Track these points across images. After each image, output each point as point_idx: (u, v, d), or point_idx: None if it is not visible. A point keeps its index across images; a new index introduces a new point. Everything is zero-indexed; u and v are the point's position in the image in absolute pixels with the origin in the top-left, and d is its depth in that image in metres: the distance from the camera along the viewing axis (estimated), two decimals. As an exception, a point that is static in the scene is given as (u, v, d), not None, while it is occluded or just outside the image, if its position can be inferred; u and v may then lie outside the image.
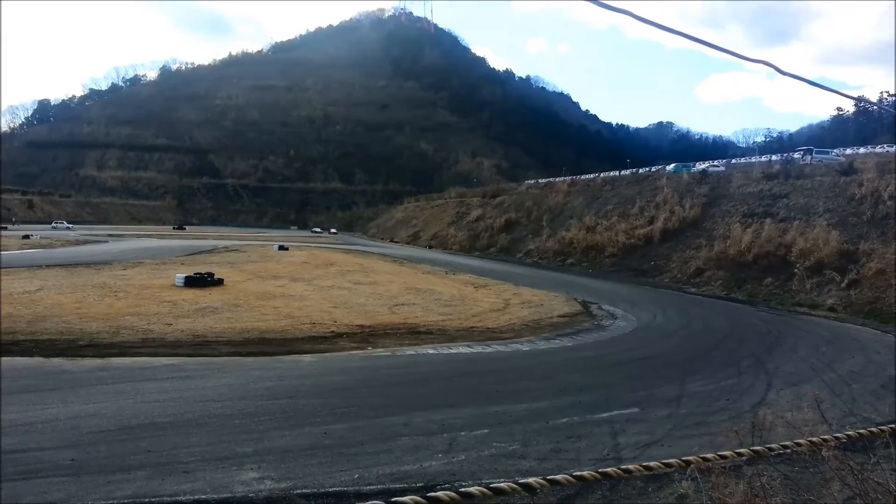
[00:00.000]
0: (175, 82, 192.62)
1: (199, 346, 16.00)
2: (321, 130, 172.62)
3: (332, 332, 18.93)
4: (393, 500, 1.83)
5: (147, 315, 19.50)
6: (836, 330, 26.70)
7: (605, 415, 11.80)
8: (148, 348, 15.32)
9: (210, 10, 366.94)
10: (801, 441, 3.47)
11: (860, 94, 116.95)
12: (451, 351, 17.80)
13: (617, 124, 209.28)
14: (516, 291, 33.17)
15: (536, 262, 60.70)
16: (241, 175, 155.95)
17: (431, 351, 17.59)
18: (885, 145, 62.67)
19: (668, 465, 2.66)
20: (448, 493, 1.90)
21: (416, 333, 19.92)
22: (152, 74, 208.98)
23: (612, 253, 54.01)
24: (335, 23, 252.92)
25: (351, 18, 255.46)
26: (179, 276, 27.41)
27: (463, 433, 10.16)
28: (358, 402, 11.73)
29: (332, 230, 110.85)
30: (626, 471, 2.57)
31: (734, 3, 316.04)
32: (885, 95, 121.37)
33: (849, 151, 61.47)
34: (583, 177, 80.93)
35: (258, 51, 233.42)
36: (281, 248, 55.08)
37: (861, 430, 3.54)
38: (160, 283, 27.66)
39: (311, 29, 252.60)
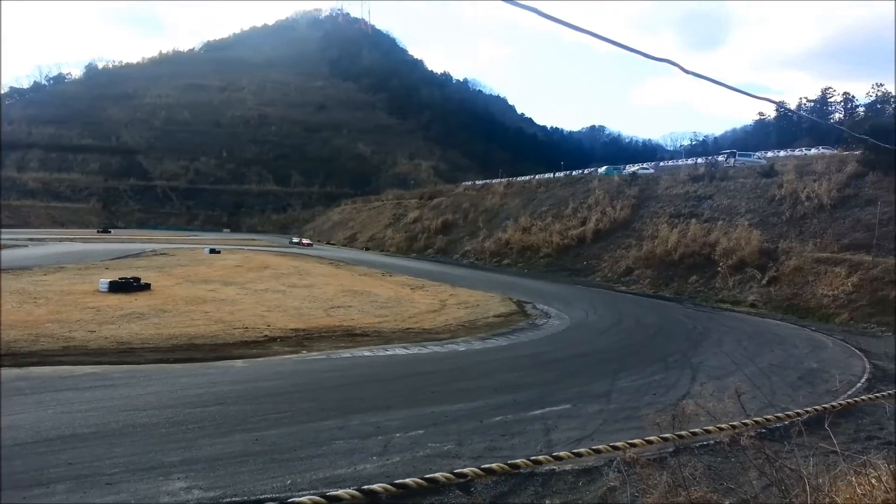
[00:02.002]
0: (102, 81, 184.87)
1: (124, 353, 15.44)
2: (256, 131, 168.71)
3: (266, 336, 18.60)
4: (290, 500, 1.82)
5: (69, 322, 18.68)
6: (757, 325, 27.97)
7: (538, 412, 12.02)
8: (69, 356, 14.68)
9: (140, 8, 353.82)
10: (711, 427, 3.63)
11: (782, 100, 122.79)
12: (388, 353, 17.77)
13: (552, 127, 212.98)
14: (453, 292, 33.35)
15: (473, 263, 61.17)
16: (170, 177, 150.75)
17: (367, 353, 17.51)
18: (804, 148, 66.05)
19: (596, 451, 2.75)
20: (349, 491, 1.90)
21: (352, 336, 19.79)
22: (78, 73, 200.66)
23: (547, 253, 55.01)
24: (271, 22, 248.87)
25: (287, 18, 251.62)
26: (103, 282, 26.35)
27: (398, 435, 10.16)
28: (291, 406, 11.56)
29: (304, 240, 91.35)
30: (557, 457, 2.65)
31: (666, 8, 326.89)
32: (804, 101, 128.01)
33: (770, 154, 64.55)
34: (519, 179, 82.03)
35: (190, 49, 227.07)
36: (212, 251, 53.62)
37: (770, 416, 3.73)
38: (83, 288, 26.51)
39: (246, 28, 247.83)
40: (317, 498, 1.85)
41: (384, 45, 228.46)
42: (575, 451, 2.74)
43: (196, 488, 7.77)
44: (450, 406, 12.10)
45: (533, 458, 2.59)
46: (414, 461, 9.07)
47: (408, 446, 9.67)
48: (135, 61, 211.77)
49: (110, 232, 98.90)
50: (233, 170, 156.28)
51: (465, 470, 2.26)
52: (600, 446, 2.91)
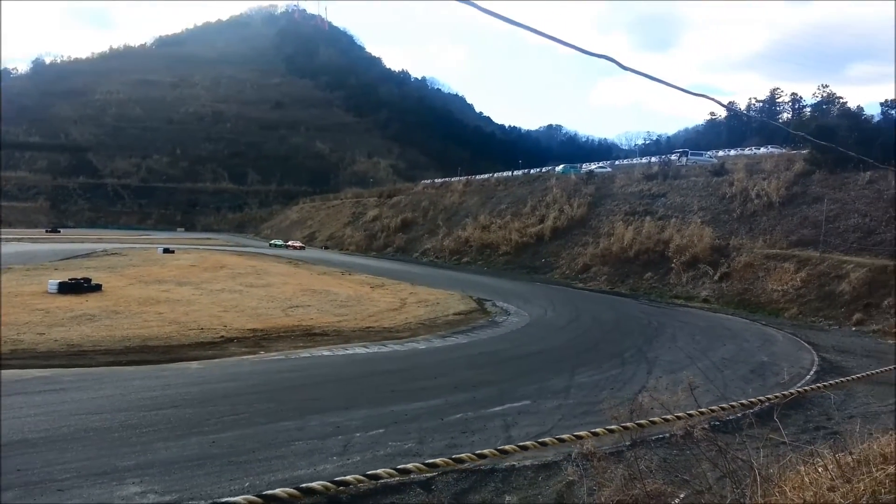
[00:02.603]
0: (49, 77, 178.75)
1: (74, 356, 14.98)
2: (210, 128, 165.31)
3: (222, 337, 18.27)
4: (223, 500, 1.81)
5: (16, 324, 18.02)
6: (710, 320, 28.71)
7: (498, 409, 12.11)
8: (18, 360, 14.17)
9: (88, 2, 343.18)
10: (665, 417, 3.71)
11: (731, 101, 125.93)
12: (348, 352, 17.66)
13: (510, 126, 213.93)
14: (413, 290, 33.33)
15: (433, 262, 61.26)
16: (122, 174, 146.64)
17: (327, 353, 17.38)
18: (754, 147, 67.95)
19: (542, 444, 2.79)
20: (287, 489, 1.88)
21: (311, 335, 19.60)
22: (24, 68, 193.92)
23: (506, 251, 55.44)
24: (224, 18, 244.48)
25: (241, 14, 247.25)
26: (52, 282, 25.52)
27: (358, 434, 10.11)
28: (249, 408, 11.39)
29: (295, 243, 79.70)
30: (503, 451, 2.68)
31: (620, 11, 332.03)
32: (753, 101, 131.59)
33: (721, 153, 66.22)
34: (478, 177, 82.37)
35: (141, 44, 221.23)
36: (166, 250, 52.43)
37: (714, 408, 3.84)
38: (31, 289, 25.62)
39: (199, 23, 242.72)
40: (252, 498, 1.84)
41: (341, 43, 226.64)
42: (520, 444, 2.78)
43: (151, 492, 7.60)
44: (410, 404, 12.10)
45: (478, 452, 2.61)
46: (374, 460, 9.04)
47: (368, 446, 9.64)
48: (84, 56, 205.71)
49: (59, 231, 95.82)
50: (186, 167, 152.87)
51: (409, 466, 2.26)
52: (546, 439, 2.95)
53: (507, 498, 8.12)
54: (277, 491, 1.93)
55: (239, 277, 35.54)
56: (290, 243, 78.80)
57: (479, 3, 2.49)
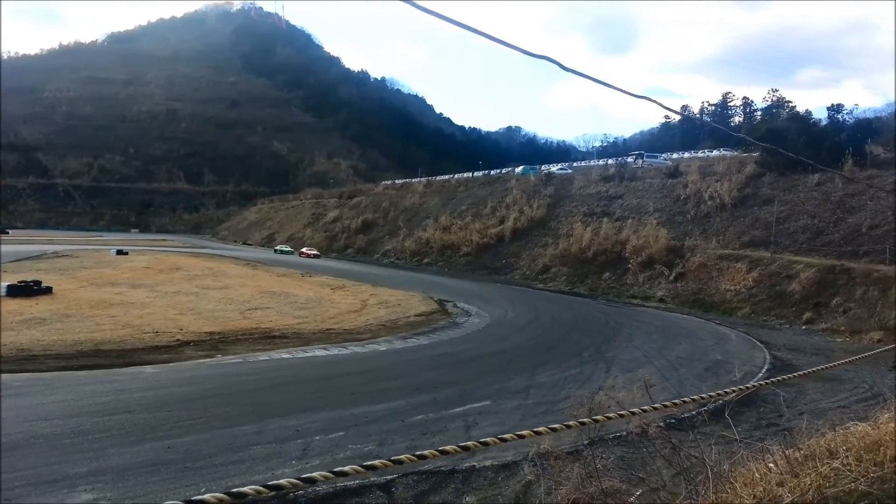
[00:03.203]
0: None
1: (24, 360, 14.50)
2: (165, 127, 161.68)
3: (178, 340, 17.91)
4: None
5: (-41, 330, 17.38)
6: (666, 319, 29.29)
7: (459, 409, 12.15)
8: (-40, 367, 13.67)
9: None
10: (623, 412, 3.79)
11: (685, 104, 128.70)
12: (307, 354, 17.50)
13: (470, 127, 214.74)
14: (374, 292, 33.19)
15: (394, 263, 61.12)
16: (73, 174, 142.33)
17: (286, 355, 17.18)
18: (706, 150, 69.62)
19: (502, 440, 2.83)
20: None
21: (269, 338, 19.36)
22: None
23: (467, 252, 55.64)
24: (179, 14, 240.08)
25: (196, 11, 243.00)
26: (1, 285, 24.67)
27: (318, 438, 10.04)
28: (205, 412, 11.20)
29: (312, 251, 67.28)
30: (464, 447, 2.70)
31: (576, 14, 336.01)
32: (706, 104, 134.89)
33: (675, 155, 67.72)
34: (438, 178, 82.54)
35: (93, 41, 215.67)
36: (119, 252, 51.12)
37: (667, 403, 3.93)
38: (-25, 293, 24.73)
39: (153, 20, 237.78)
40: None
41: (299, 42, 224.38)
42: (481, 440, 2.81)
43: (104, 500, 7.43)
44: (371, 407, 12.05)
45: (441, 448, 2.62)
46: (334, 464, 8.97)
47: (328, 449, 9.57)
48: (33, 53, 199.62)
49: (8, 233, 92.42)
50: (140, 167, 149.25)
51: (346, 468, 2.24)
52: (507, 435, 2.98)
53: (467, 499, 8.16)
54: (246, 489, 1.92)
55: (195, 279, 34.88)
56: (304, 251, 66.86)
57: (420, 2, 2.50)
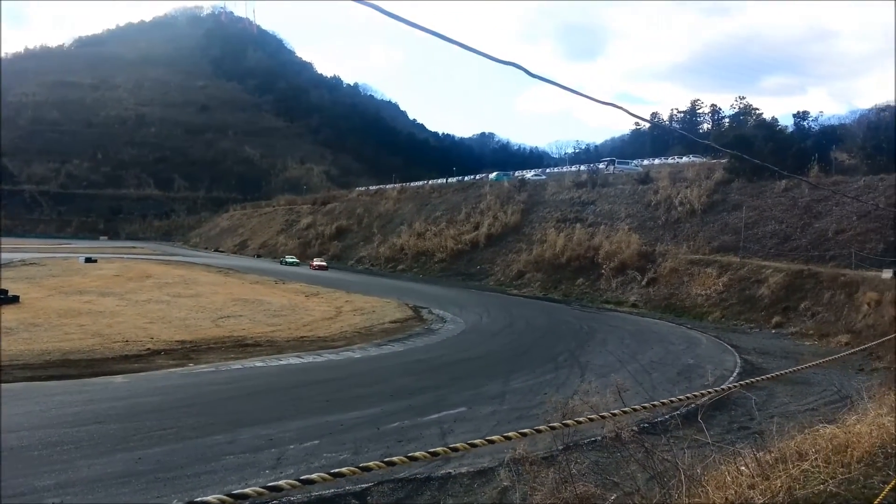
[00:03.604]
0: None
1: (-13, 372, 14.16)
2: (134, 132, 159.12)
3: (148, 349, 17.64)
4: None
5: (-80, 341, 16.90)
6: (638, 324, 29.58)
7: (434, 416, 12.14)
8: (-79, 379, 13.29)
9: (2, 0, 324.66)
10: (593, 416, 3.81)
11: (654, 111, 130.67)
12: (281, 362, 17.35)
13: (443, 133, 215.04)
14: (348, 299, 33.04)
15: (368, 269, 60.89)
16: (39, 180, 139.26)
17: (259, 364, 17.02)
18: (676, 157, 70.56)
19: (472, 446, 2.83)
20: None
21: (242, 346, 19.16)
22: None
23: (442, 258, 55.66)
24: (147, 18, 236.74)
25: (165, 14, 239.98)
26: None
27: (292, 447, 9.94)
28: (177, 422, 11.03)
29: (321, 262, 61.53)
30: (434, 453, 2.70)
31: (547, 20, 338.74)
32: (675, 111, 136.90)
33: (646, 162, 68.47)
34: (412, 184, 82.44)
35: (60, 45, 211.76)
36: (88, 259, 50.22)
37: (637, 406, 3.97)
38: (-63, 303, 24.08)
39: (122, 24, 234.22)
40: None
41: (270, 46, 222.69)
42: (451, 445, 2.82)
43: (72, 515, 7.28)
44: (345, 414, 11.98)
45: (410, 455, 2.61)
46: (308, 473, 8.90)
47: (302, 458, 9.49)
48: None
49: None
50: (108, 173, 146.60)
51: (313, 476, 2.21)
52: (477, 440, 2.99)
53: (444, 505, 8.15)
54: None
55: (166, 287, 34.38)
56: (314, 263, 61.50)
57: (377, 2, 2.51)
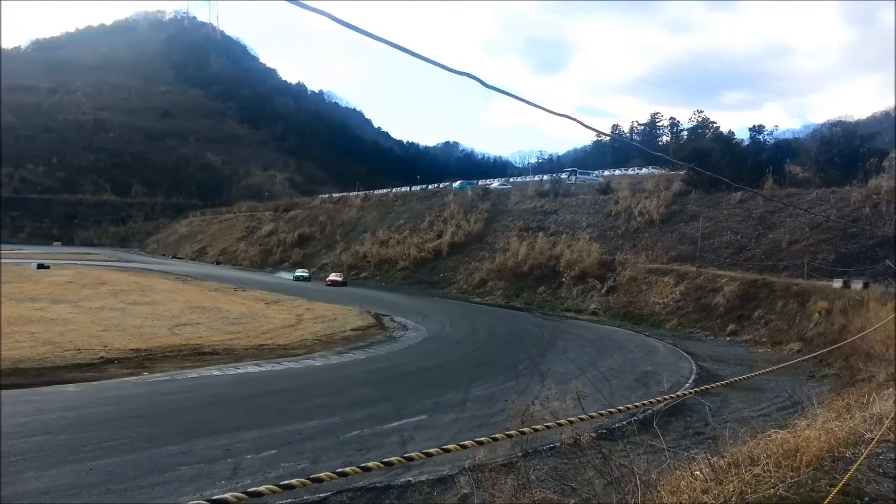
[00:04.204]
0: None
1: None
2: (92, 137, 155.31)
3: (101, 358, 17.17)
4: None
5: None
6: (598, 331, 29.94)
7: (395, 424, 12.07)
8: None
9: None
10: (550, 424, 3.83)
11: (615, 123, 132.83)
12: (239, 371, 17.06)
13: (408, 142, 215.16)
14: (309, 307, 32.71)
15: (330, 277, 60.26)
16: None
17: (217, 372, 16.71)
18: (636, 168, 71.83)
19: (428, 455, 2.82)
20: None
21: (199, 354, 18.79)
22: None
23: (405, 266, 55.52)
24: (108, 22, 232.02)
25: (126, 18, 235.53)
26: None
27: (249, 457, 9.77)
28: (130, 433, 10.74)
29: (338, 276, 53.27)
30: (388, 463, 2.67)
31: (512, 35, 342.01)
32: (636, 124, 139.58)
33: (607, 173, 69.51)
34: (376, 192, 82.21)
35: (16, 47, 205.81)
36: (41, 266, 48.76)
37: (593, 413, 4.01)
38: None
39: (81, 27, 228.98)
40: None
41: (234, 52, 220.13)
42: (406, 455, 2.80)
43: (16, 530, 7.01)
44: (304, 423, 11.83)
45: (339, 470, 2.56)
46: (266, 483, 8.74)
47: (259, 468, 9.33)
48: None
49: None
50: (64, 178, 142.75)
51: (261, 489, 2.13)
52: (431, 449, 2.98)
53: (403, 514, 8.09)
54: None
55: (121, 294, 33.57)
56: (329, 278, 52.89)
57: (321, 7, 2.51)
